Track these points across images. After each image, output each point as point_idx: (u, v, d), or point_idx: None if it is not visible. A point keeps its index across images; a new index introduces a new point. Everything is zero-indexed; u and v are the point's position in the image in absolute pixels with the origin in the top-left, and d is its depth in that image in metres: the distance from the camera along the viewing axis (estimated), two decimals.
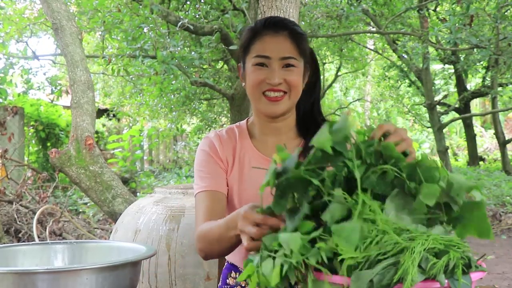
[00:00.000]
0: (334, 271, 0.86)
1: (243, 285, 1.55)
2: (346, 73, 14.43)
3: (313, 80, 1.53)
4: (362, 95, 18.54)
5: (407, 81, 11.76)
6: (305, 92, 1.48)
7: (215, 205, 1.44)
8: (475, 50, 7.34)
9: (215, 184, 1.47)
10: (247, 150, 1.51)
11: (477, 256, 0.92)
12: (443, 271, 0.83)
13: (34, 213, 4.61)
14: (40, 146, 8.88)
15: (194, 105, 8.72)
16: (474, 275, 0.86)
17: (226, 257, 1.59)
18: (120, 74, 7.03)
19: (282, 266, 0.87)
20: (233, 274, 1.57)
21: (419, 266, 0.82)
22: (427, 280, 0.83)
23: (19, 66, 7.47)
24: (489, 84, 10.39)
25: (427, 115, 11.05)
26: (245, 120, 1.60)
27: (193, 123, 11.95)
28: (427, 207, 0.89)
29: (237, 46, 5.27)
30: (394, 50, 9.44)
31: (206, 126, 9.84)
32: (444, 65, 11.34)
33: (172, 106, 8.58)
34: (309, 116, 1.54)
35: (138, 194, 8.20)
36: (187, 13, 6.91)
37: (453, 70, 11.16)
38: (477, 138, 13.54)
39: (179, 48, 4.97)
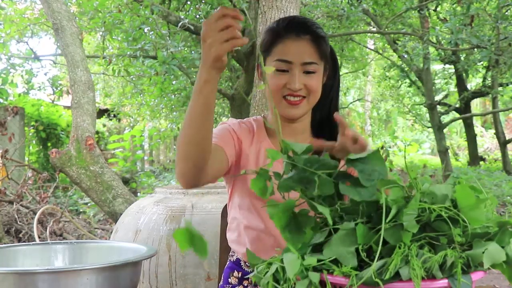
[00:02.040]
0: None
1: (245, 284, 1.55)
2: (347, 73, 14.43)
3: (331, 79, 1.53)
4: (362, 95, 18.56)
5: (407, 81, 11.75)
6: (323, 92, 1.48)
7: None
8: (475, 50, 7.33)
9: (222, 143, 1.42)
10: (264, 144, 1.51)
11: None
12: (438, 267, 0.83)
13: (35, 213, 4.61)
14: (41, 146, 8.88)
15: None
16: (475, 275, 0.86)
17: (231, 253, 1.59)
18: (120, 75, 7.04)
19: None
20: (235, 273, 1.57)
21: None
22: (427, 280, 0.83)
23: (21, 68, 7.49)
24: (490, 84, 10.38)
25: (427, 115, 11.05)
26: (261, 116, 1.60)
27: None
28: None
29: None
30: (395, 50, 9.43)
31: None
32: (444, 65, 11.33)
33: (173, 106, 8.58)
34: (325, 117, 1.55)
35: (138, 194, 8.19)
36: (187, 13, 6.91)
37: (453, 70, 11.16)
38: (478, 138, 13.53)
39: (179, 49, 4.97)
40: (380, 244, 0.85)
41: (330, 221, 0.90)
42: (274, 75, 1.41)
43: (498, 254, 0.85)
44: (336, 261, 0.89)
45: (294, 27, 1.42)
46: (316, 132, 1.55)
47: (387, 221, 0.86)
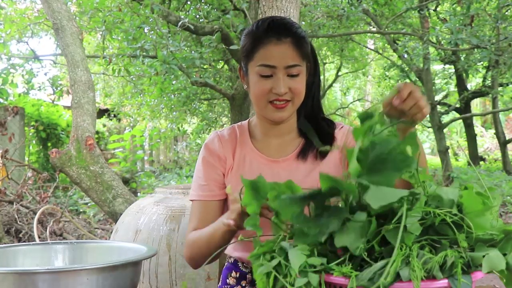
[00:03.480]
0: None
1: (243, 284, 1.55)
2: (347, 73, 14.42)
3: (312, 76, 1.53)
4: (362, 95, 18.54)
5: (407, 81, 11.74)
6: (306, 90, 1.48)
7: (208, 216, 1.47)
8: (475, 50, 7.33)
9: (210, 193, 1.48)
10: (248, 151, 1.52)
11: None
12: (438, 267, 0.83)
13: (35, 213, 4.61)
14: (41, 146, 8.88)
15: (194, 105, 8.71)
16: (475, 275, 0.86)
17: (229, 253, 1.59)
18: (120, 74, 7.03)
19: None
20: (233, 273, 1.57)
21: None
22: (427, 280, 0.83)
23: (21, 68, 7.49)
24: (490, 84, 10.38)
25: (427, 115, 11.04)
26: (247, 121, 1.60)
27: (193, 123, 11.95)
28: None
29: (238, 46, 5.28)
30: (395, 50, 9.42)
31: (207, 126, 9.85)
32: (444, 65, 11.32)
33: (173, 106, 8.58)
34: (309, 115, 1.55)
35: (138, 194, 8.20)
36: (187, 13, 6.91)
37: (453, 70, 11.15)
38: (478, 138, 13.52)
39: (180, 48, 4.97)
40: (376, 240, 0.84)
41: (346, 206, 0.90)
42: (258, 80, 1.41)
43: (499, 261, 0.85)
44: (338, 264, 0.89)
45: (274, 30, 1.40)
46: (302, 130, 1.55)
47: (392, 222, 0.86)
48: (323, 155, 1.48)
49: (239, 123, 1.60)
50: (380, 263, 0.84)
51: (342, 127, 1.55)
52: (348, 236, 0.88)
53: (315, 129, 1.52)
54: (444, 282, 0.83)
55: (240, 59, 1.49)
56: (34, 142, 8.85)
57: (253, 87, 1.43)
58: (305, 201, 0.95)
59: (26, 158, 8.09)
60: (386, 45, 10.72)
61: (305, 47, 1.43)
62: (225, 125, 10.17)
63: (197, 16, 6.48)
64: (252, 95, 1.45)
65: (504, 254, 0.86)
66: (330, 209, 0.93)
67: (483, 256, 0.84)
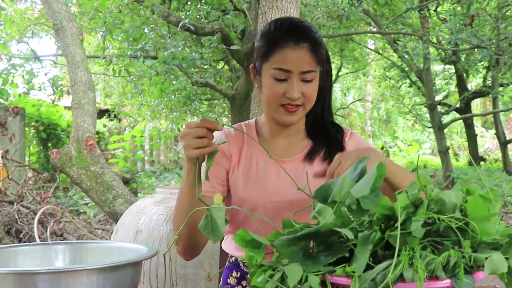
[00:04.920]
0: None
1: (244, 284, 1.55)
2: (347, 73, 14.42)
3: (324, 81, 1.52)
4: (362, 95, 18.55)
5: (407, 81, 11.74)
6: (317, 94, 1.47)
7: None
8: (476, 50, 7.33)
9: (212, 190, 1.47)
10: (255, 150, 1.51)
11: None
12: (441, 268, 0.83)
13: (35, 214, 4.61)
14: (41, 147, 8.89)
15: (195, 106, 8.71)
16: (477, 275, 0.86)
17: (230, 253, 1.58)
18: (121, 75, 7.03)
19: None
20: (234, 273, 1.57)
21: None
22: (430, 280, 0.83)
23: (21, 68, 7.51)
24: (490, 84, 10.37)
25: (428, 115, 11.04)
26: (254, 119, 1.60)
27: None
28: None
29: (238, 46, 5.28)
30: (395, 50, 9.42)
31: None
32: (444, 65, 11.32)
33: (173, 107, 8.58)
34: (319, 118, 1.55)
35: (139, 194, 8.20)
36: (188, 13, 6.91)
37: (454, 70, 11.15)
38: (478, 138, 13.52)
39: (180, 49, 4.97)
40: (380, 245, 0.84)
41: (351, 236, 0.88)
42: (272, 83, 1.40)
43: (501, 264, 0.84)
44: (337, 263, 0.88)
45: (293, 34, 1.39)
46: (310, 132, 1.55)
47: (395, 227, 0.86)
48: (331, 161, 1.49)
49: (246, 122, 1.60)
50: (383, 264, 0.84)
51: (351, 134, 1.55)
52: (356, 264, 0.87)
53: (323, 133, 1.52)
54: (447, 282, 0.83)
55: (255, 58, 1.48)
56: (34, 142, 8.86)
57: (266, 89, 1.42)
58: (304, 240, 0.94)
59: (27, 159, 8.10)
60: (386, 45, 10.71)
61: (321, 52, 1.42)
62: (225, 126, 10.14)
63: (197, 17, 6.48)
64: (264, 96, 1.44)
65: (507, 258, 0.86)
66: (332, 246, 0.92)
67: (486, 258, 0.84)
